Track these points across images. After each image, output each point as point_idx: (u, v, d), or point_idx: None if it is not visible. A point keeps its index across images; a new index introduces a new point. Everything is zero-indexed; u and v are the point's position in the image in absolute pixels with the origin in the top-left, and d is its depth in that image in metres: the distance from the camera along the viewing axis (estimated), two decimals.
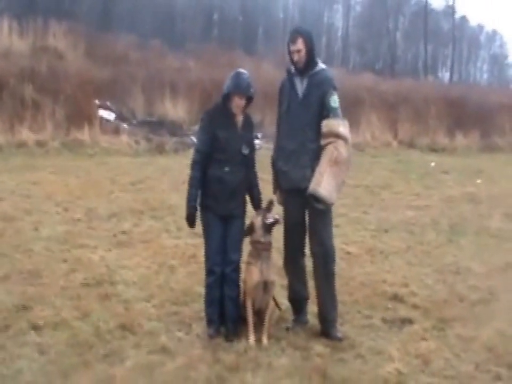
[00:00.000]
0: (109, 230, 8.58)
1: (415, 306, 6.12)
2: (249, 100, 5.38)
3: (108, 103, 18.59)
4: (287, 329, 5.49)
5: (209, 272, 5.35)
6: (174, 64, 23.60)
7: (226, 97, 5.31)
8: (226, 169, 5.28)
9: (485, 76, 74.34)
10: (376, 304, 6.15)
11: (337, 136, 5.18)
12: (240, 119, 5.39)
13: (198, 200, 5.31)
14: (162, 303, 5.97)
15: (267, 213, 5.35)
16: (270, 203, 5.39)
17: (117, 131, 17.07)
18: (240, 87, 5.25)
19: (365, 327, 5.63)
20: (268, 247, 5.38)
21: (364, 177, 13.98)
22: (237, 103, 5.30)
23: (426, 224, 9.76)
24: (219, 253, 5.32)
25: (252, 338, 5.20)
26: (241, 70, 5.39)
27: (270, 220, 5.32)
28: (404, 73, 43.20)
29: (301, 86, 5.40)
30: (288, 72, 5.52)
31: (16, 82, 16.60)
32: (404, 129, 21.22)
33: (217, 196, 5.30)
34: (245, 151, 5.37)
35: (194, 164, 5.30)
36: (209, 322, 5.35)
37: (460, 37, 62.31)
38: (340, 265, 7.14)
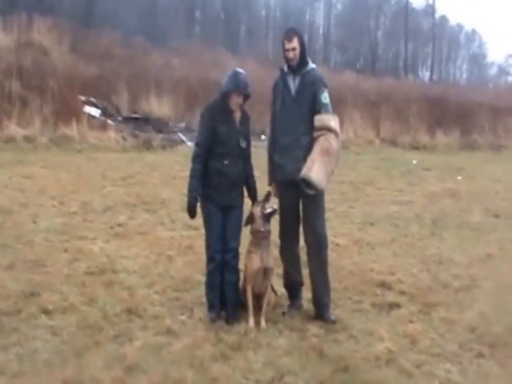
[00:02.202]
0: (105, 222, 8.83)
1: (401, 293, 6.47)
2: (246, 97, 5.62)
3: (93, 100, 18.77)
4: (283, 313, 5.78)
5: (210, 259, 5.60)
6: (158, 61, 23.70)
7: (225, 95, 5.54)
8: (226, 162, 5.52)
9: (464, 75, 74.93)
10: (365, 291, 6.49)
11: (329, 129, 5.47)
12: (238, 115, 5.64)
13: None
14: (164, 289, 6.25)
15: (265, 203, 5.62)
16: (268, 194, 5.67)
17: (103, 127, 17.24)
18: (239, 87, 5.50)
19: (355, 311, 5.98)
20: (267, 235, 5.64)
21: (349, 173, 14.34)
22: (235, 101, 5.54)
23: (409, 218, 10.13)
24: (219, 241, 5.56)
25: (251, 321, 5.48)
26: (239, 70, 5.60)
27: (268, 210, 5.59)
28: (385, 72, 43.54)
29: (293, 84, 5.68)
30: (282, 71, 5.78)
31: (3, 77, 16.71)
32: (385, 128, 21.60)
33: (217, 187, 5.54)
34: (243, 144, 5.64)
35: (196, 157, 5.52)
36: (211, 307, 5.61)
37: (439, 36, 62.87)
38: (330, 256, 7.55)
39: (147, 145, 17.04)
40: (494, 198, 12.28)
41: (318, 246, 5.73)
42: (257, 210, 5.63)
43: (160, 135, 18.15)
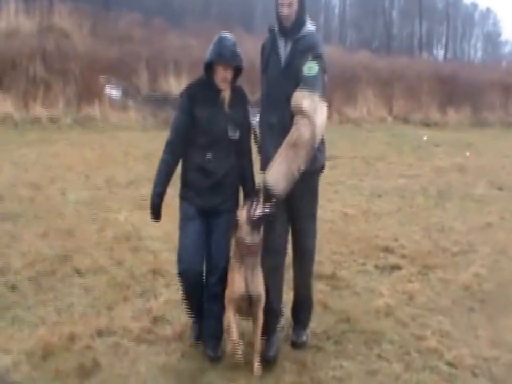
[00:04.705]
0: (129, 195, 9.35)
1: (403, 256, 6.99)
2: (237, 71, 4.43)
3: (114, 81, 19.26)
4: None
5: (180, 276, 4.45)
6: (176, 42, 24.04)
7: (208, 68, 4.37)
8: (209, 156, 4.38)
9: (479, 53, 74.71)
10: (370, 254, 7.01)
11: (301, 112, 4.20)
12: (226, 94, 4.41)
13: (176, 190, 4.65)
14: None
15: (254, 204, 4.23)
16: (259, 191, 4.29)
17: (124, 107, 17.75)
18: (223, 56, 4.28)
19: (359, 272, 6.52)
20: (254, 249, 4.23)
21: (360, 149, 14.77)
22: (222, 75, 4.33)
23: (416, 190, 10.55)
24: (193, 254, 4.37)
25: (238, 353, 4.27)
26: (225, 34, 4.41)
27: (258, 213, 4.19)
28: (400, 51, 43.65)
29: (284, 51, 4.45)
30: (271, 31, 4.57)
31: (28, 61, 17.20)
32: (398, 105, 21.77)
33: (197, 187, 4.46)
34: (232, 134, 4.42)
35: (167, 146, 4.45)
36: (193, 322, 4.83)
37: (454, 15, 62.68)
38: (338, 224, 8.13)
39: (166, 124, 17.51)
40: (499, 172, 12.62)
41: (302, 257, 4.84)
42: (242, 214, 4.25)
43: None
